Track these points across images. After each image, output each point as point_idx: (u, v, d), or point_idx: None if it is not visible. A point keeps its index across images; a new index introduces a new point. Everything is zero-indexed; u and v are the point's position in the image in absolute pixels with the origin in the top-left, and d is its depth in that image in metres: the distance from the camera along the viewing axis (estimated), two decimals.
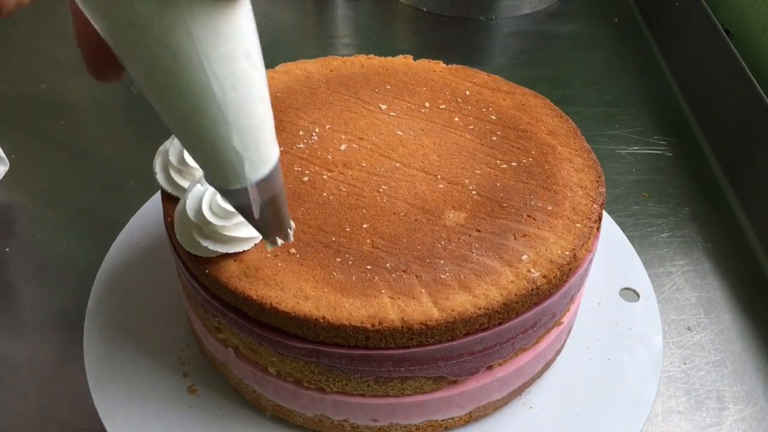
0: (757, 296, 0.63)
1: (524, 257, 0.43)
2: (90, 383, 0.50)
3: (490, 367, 0.46)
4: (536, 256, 0.44)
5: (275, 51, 0.93)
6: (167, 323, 0.55)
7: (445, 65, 0.59)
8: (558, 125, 0.54)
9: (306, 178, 0.49)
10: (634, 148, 0.80)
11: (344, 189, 0.48)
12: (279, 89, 0.57)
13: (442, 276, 0.42)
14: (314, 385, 0.45)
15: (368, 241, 0.45)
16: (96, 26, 0.27)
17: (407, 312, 0.41)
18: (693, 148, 0.81)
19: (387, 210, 0.46)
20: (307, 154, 0.51)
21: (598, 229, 0.47)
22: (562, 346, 0.53)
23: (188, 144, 0.32)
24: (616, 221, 0.65)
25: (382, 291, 0.42)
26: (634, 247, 0.66)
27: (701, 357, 0.58)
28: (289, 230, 0.37)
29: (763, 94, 0.73)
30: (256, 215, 0.34)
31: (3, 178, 0.72)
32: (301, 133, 0.53)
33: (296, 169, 0.50)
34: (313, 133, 0.53)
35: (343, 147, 0.51)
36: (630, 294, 0.58)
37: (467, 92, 0.56)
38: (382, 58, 0.61)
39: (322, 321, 0.40)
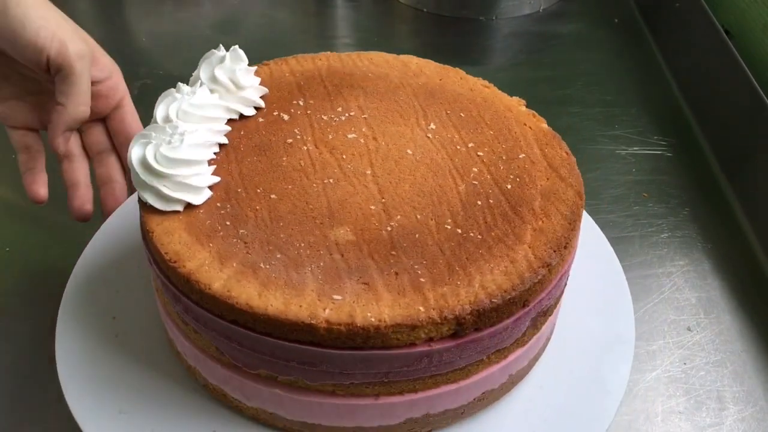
0: (757, 296, 0.63)
1: (336, 297, 0.42)
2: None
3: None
4: (345, 304, 0.41)
5: (275, 51, 0.93)
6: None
7: (545, 126, 0.55)
8: (554, 228, 0.47)
9: (290, 140, 0.52)
10: (634, 148, 0.80)
11: (302, 164, 0.50)
12: (364, 70, 0.59)
13: (264, 266, 0.43)
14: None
15: (257, 207, 0.47)
16: None
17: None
18: (693, 148, 0.81)
19: (303, 197, 0.48)
20: (319, 126, 0.53)
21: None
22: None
23: None
24: (616, 221, 0.65)
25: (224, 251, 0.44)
26: (634, 247, 0.66)
27: (701, 357, 0.58)
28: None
29: (763, 95, 0.73)
30: None
31: (4, 176, 0.72)
32: (339, 109, 0.55)
33: (295, 131, 0.52)
34: (347, 114, 0.54)
35: (350, 136, 0.52)
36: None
37: (522, 155, 0.51)
38: (496, 91, 0.58)
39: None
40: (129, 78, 0.64)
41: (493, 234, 0.45)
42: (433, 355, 0.42)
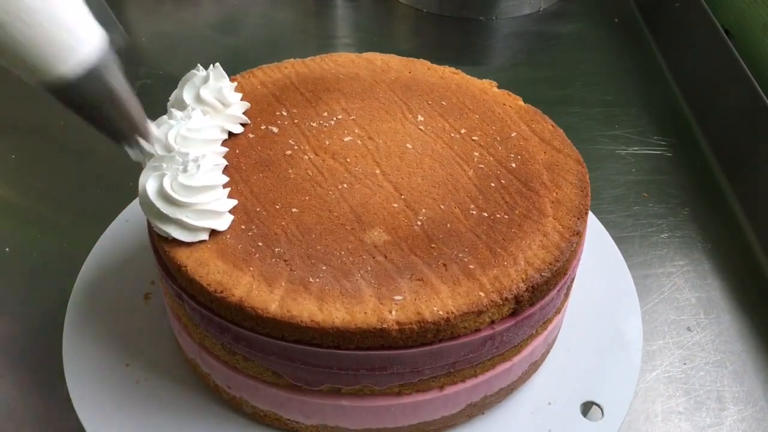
0: (757, 296, 0.63)
1: (397, 297, 0.41)
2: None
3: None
4: (408, 303, 0.41)
5: (275, 51, 0.93)
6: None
7: (522, 103, 0.56)
8: (570, 197, 0.48)
9: (289, 152, 0.51)
10: (634, 148, 0.80)
11: (310, 173, 0.49)
12: (334, 72, 0.59)
13: (313, 280, 0.42)
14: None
15: (283, 223, 0.46)
16: None
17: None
18: (693, 148, 0.81)
19: (324, 206, 0.47)
20: (312, 134, 0.53)
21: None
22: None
23: None
24: (616, 221, 0.65)
25: (257, 271, 0.43)
26: (634, 247, 0.66)
27: (701, 357, 0.58)
28: (147, 128, 0.37)
29: (763, 95, 0.73)
30: (95, 113, 0.34)
31: (4, 176, 0.72)
32: (325, 114, 0.54)
33: (290, 142, 0.52)
34: (335, 118, 0.54)
35: (347, 139, 0.52)
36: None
37: (513, 134, 0.53)
38: (465, 76, 0.59)
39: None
40: (129, 78, 0.64)
41: (517, 212, 0.47)
42: (496, 336, 0.43)
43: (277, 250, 0.44)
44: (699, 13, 0.90)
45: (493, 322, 0.43)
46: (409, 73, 0.59)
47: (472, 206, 0.47)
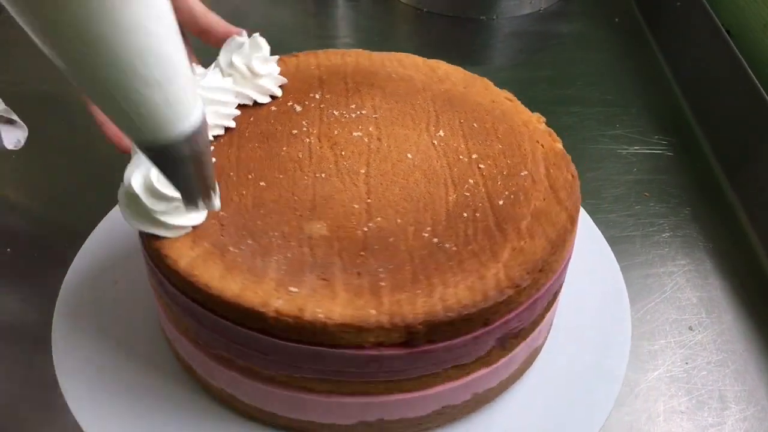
0: (759, 296, 0.63)
1: (293, 289, 0.41)
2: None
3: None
4: (299, 298, 0.41)
5: (275, 51, 0.92)
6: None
7: (559, 147, 0.52)
8: (534, 250, 0.45)
9: (295, 131, 0.52)
10: (635, 147, 0.80)
11: (300, 156, 0.50)
12: (390, 71, 0.58)
13: (233, 249, 0.43)
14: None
15: (243, 192, 0.47)
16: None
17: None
18: (694, 147, 0.81)
19: (291, 188, 0.48)
20: (329, 121, 0.53)
21: None
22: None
23: (107, 102, 0.31)
24: (616, 221, 0.65)
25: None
26: (635, 246, 0.66)
27: (703, 357, 0.58)
28: (213, 195, 0.38)
29: (764, 94, 0.73)
30: (180, 172, 0.34)
31: (4, 176, 0.72)
32: (353, 106, 0.55)
33: (303, 123, 0.53)
34: (359, 113, 0.54)
35: (356, 134, 0.52)
36: None
37: (524, 173, 0.50)
38: (517, 104, 0.56)
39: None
40: None
41: (469, 248, 0.44)
42: (383, 360, 0.41)
43: (221, 213, 0.46)
44: (700, 12, 0.90)
45: (381, 344, 0.41)
46: (464, 88, 0.57)
47: (429, 229, 0.45)
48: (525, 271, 0.43)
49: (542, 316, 0.49)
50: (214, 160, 0.48)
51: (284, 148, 0.51)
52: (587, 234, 0.62)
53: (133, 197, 0.43)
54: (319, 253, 0.44)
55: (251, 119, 0.53)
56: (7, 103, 0.80)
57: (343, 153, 0.51)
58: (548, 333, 0.54)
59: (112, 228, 0.61)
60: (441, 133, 0.53)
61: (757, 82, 0.75)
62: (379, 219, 0.46)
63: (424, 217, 0.46)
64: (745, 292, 0.64)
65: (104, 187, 0.73)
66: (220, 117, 0.51)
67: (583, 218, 0.64)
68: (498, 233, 0.45)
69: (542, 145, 0.52)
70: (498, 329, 0.44)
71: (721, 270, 0.66)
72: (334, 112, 0.54)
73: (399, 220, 0.46)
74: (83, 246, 0.60)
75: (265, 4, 1.08)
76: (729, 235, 0.70)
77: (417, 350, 0.41)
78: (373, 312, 0.40)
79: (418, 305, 0.41)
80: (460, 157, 0.51)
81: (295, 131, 0.52)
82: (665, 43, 0.97)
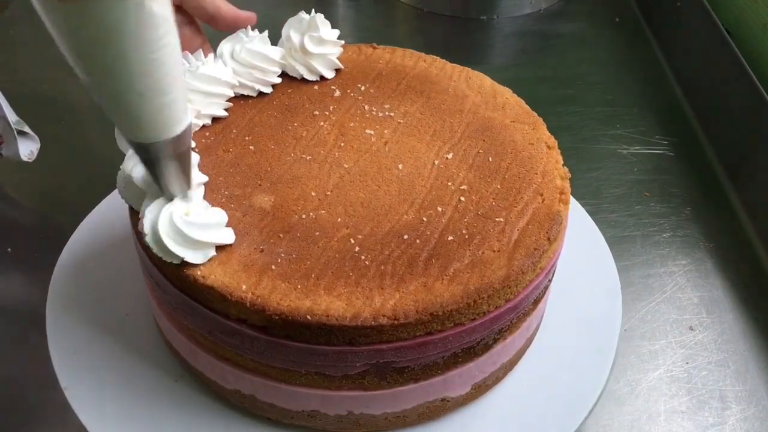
0: (760, 295, 0.63)
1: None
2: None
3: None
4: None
5: None
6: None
7: (561, 181, 0.50)
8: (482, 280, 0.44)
9: (317, 112, 0.54)
10: (636, 147, 0.80)
11: (304, 134, 0.52)
12: (453, 85, 0.58)
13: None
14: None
15: (231, 149, 0.50)
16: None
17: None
18: (694, 147, 0.81)
19: (273, 158, 0.50)
20: (353, 113, 0.54)
21: None
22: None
23: (110, 103, 0.37)
24: (617, 221, 0.65)
25: None
26: (636, 246, 0.66)
27: (703, 357, 0.58)
28: (187, 188, 0.42)
29: (765, 94, 0.73)
30: (164, 169, 0.40)
31: (4, 176, 0.72)
32: (386, 106, 0.55)
33: (330, 107, 0.55)
34: (385, 114, 0.54)
35: (368, 131, 0.53)
36: None
37: (506, 217, 0.47)
38: (549, 145, 0.53)
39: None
40: None
41: (381, 267, 0.43)
42: (244, 336, 0.44)
43: (201, 161, 0.48)
44: (700, 13, 0.90)
45: (243, 321, 0.43)
46: (510, 122, 0.54)
47: (360, 237, 0.45)
48: (415, 310, 0.42)
49: (448, 360, 0.46)
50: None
51: (295, 124, 0.53)
52: (586, 234, 0.63)
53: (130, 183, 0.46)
54: (246, 221, 0.46)
55: (289, 91, 0.56)
56: (8, 103, 0.80)
57: (342, 144, 0.51)
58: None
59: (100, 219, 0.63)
60: (449, 155, 0.51)
61: (757, 82, 0.75)
62: (322, 212, 0.47)
63: (364, 225, 0.46)
64: (746, 291, 0.64)
65: (108, 187, 0.73)
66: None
67: (584, 218, 0.64)
68: (421, 265, 0.44)
69: (543, 200, 0.48)
70: (368, 353, 0.43)
71: (721, 270, 0.66)
72: (365, 106, 0.55)
73: (339, 219, 0.46)
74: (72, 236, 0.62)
75: (266, 3, 1.08)
76: (730, 234, 0.70)
77: (273, 339, 0.43)
78: (244, 287, 0.42)
79: (289, 299, 0.41)
80: (449, 183, 0.49)
81: (316, 112, 0.54)
82: (665, 43, 0.97)
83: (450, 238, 0.45)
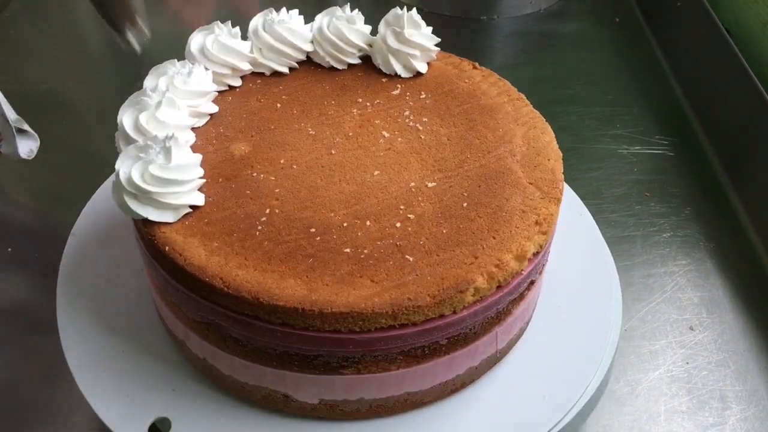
0: (760, 295, 0.63)
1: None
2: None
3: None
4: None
5: None
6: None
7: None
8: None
9: (334, 101, 0.55)
10: (636, 147, 0.80)
11: (323, 120, 0.53)
12: (491, 105, 0.55)
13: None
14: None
15: (261, 99, 0.54)
16: None
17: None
18: (695, 147, 0.81)
19: (270, 137, 0.51)
20: (371, 113, 0.54)
21: None
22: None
23: None
24: (617, 221, 0.65)
25: None
26: (636, 246, 0.66)
27: (704, 357, 0.58)
28: (139, 21, 0.40)
29: (765, 94, 0.73)
30: (107, 5, 0.37)
31: (4, 176, 0.72)
32: (406, 113, 0.54)
33: (358, 101, 0.55)
34: (404, 120, 0.53)
35: (384, 133, 0.52)
36: None
37: (476, 238, 0.45)
38: (553, 198, 0.48)
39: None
40: (129, 78, 0.64)
41: (342, 270, 0.43)
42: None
43: (221, 101, 0.53)
44: (700, 12, 0.90)
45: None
46: (525, 149, 0.51)
47: (267, 211, 0.46)
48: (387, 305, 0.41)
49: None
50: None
51: (333, 102, 0.54)
52: (586, 234, 0.63)
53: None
54: (212, 158, 0.49)
55: (359, 74, 0.58)
56: (8, 103, 0.80)
57: (351, 135, 0.52)
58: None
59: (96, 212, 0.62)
60: (431, 184, 0.48)
61: (757, 81, 0.75)
62: (271, 178, 0.48)
63: (291, 206, 0.46)
64: (746, 291, 0.64)
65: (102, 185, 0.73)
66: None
67: (584, 217, 0.64)
68: (399, 260, 0.43)
69: (528, 238, 0.45)
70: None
71: (722, 270, 0.66)
72: (406, 112, 0.54)
73: (276, 191, 0.47)
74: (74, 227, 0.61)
75: (266, 4, 1.08)
76: (730, 234, 0.70)
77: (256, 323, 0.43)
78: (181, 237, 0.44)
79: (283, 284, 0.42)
80: (401, 207, 0.46)
81: (360, 100, 0.55)
82: (665, 43, 0.97)
83: (348, 250, 0.44)
